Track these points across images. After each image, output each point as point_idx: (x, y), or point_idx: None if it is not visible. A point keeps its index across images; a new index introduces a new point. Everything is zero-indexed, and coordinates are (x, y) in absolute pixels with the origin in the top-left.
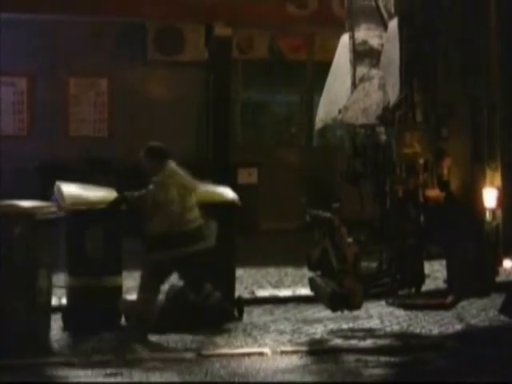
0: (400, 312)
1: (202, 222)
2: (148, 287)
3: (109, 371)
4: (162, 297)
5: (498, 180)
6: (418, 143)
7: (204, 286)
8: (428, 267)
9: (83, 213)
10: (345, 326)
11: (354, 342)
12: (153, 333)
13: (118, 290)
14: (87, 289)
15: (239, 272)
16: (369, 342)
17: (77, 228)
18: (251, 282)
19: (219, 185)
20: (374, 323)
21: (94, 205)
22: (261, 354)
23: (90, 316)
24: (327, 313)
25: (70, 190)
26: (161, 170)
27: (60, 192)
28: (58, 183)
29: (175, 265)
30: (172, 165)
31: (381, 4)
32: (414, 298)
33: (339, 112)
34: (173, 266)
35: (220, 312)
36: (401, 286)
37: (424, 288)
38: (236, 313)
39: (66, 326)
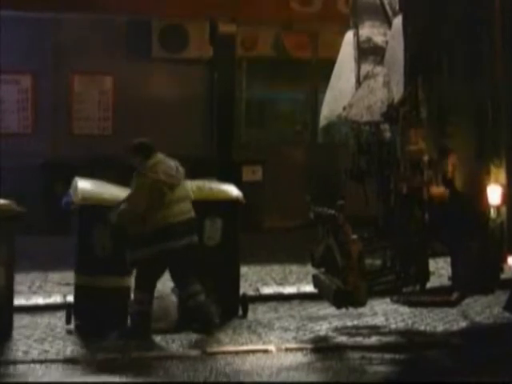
0: (405, 309)
1: (188, 217)
2: (140, 287)
3: (113, 369)
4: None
5: (502, 177)
6: (422, 140)
7: (189, 286)
8: (433, 264)
9: (94, 210)
10: (349, 324)
11: (358, 339)
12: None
13: (127, 290)
14: (95, 288)
15: (244, 269)
16: (373, 340)
17: (87, 226)
18: (256, 279)
19: (223, 182)
20: (379, 320)
21: (106, 202)
22: (265, 351)
23: (97, 315)
24: (332, 310)
25: (85, 185)
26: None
27: (75, 187)
28: (76, 178)
29: (159, 262)
30: (153, 160)
31: (385, 1)
32: (418, 295)
33: (344, 109)
34: (157, 263)
35: (201, 316)
36: (405, 283)
37: (429, 285)
38: (240, 310)
39: (69, 324)
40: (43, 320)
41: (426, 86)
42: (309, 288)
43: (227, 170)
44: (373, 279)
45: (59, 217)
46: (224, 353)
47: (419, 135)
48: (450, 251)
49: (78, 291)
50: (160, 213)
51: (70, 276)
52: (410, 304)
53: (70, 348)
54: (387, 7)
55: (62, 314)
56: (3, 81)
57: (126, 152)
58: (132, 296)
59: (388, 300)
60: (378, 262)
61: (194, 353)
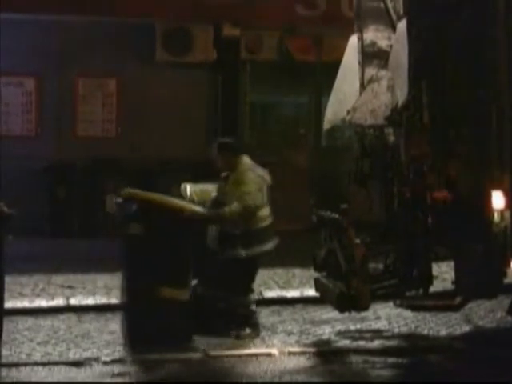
0: (408, 313)
1: (271, 221)
2: (245, 288)
3: (116, 371)
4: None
5: (506, 181)
6: (426, 144)
7: (242, 295)
8: (436, 268)
9: (190, 221)
10: (352, 327)
11: (361, 343)
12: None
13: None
14: (179, 301)
15: None
16: (376, 344)
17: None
18: (259, 282)
19: None
20: (382, 324)
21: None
22: (268, 354)
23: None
24: (335, 314)
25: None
26: (236, 165)
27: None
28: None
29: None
30: (246, 159)
31: (389, 5)
32: (421, 300)
33: (347, 113)
34: (257, 263)
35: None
36: (408, 288)
37: (432, 289)
38: None
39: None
40: (46, 322)
41: (430, 90)
42: (312, 292)
43: None
44: (376, 283)
45: (63, 219)
46: (227, 356)
47: (423, 139)
48: (453, 255)
49: (164, 304)
50: (260, 211)
51: (73, 279)
52: (413, 308)
53: (73, 350)
54: (391, 11)
55: (64, 317)
56: (7, 83)
57: (215, 150)
58: (235, 299)
59: (391, 304)
60: (381, 266)
61: (197, 356)
